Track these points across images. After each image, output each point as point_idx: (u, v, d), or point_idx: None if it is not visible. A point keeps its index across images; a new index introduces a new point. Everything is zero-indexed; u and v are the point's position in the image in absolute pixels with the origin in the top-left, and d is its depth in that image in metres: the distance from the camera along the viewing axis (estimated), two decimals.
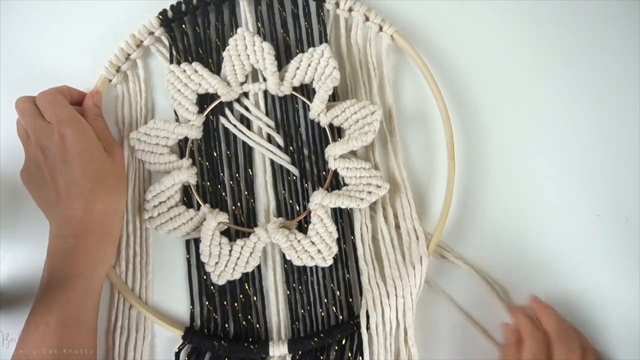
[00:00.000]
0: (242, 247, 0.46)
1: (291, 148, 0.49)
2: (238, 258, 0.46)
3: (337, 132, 0.49)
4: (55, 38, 0.52)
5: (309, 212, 0.47)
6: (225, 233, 0.47)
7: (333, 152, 0.48)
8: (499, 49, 0.53)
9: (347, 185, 0.48)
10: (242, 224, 0.48)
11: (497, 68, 0.53)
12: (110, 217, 0.44)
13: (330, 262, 0.47)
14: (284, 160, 0.49)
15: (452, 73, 0.52)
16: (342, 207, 0.47)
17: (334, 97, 0.50)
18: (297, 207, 0.48)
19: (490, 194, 0.51)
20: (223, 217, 0.47)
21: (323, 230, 0.47)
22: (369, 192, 0.47)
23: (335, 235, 0.47)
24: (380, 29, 0.51)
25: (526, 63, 0.53)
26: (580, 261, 0.49)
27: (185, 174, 0.47)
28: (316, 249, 0.46)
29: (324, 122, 0.49)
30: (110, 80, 0.49)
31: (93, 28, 0.52)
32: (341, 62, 0.51)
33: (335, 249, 0.47)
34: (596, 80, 0.53)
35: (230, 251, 0.46)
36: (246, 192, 0.49)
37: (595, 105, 0.52)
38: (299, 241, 0.47)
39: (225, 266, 0.46)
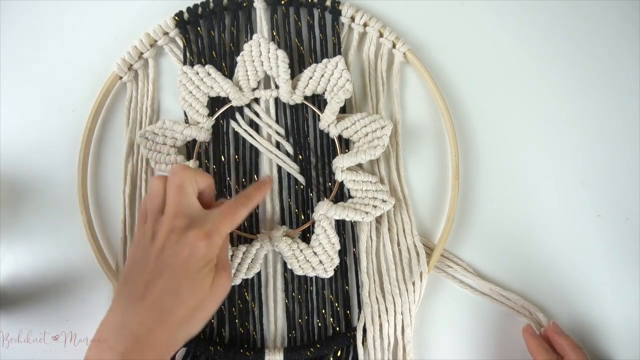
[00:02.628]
0: (244, 253, 0.46)
1: (300, 157, 0.49)
2: (239, 264, 0.46)
3: (346, 144, 0.50)
4: (69, 34, 0.52)
5: (313, 222, 0.47)
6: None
7: (341, 164, 0.48)
8: (499, 51, 0.54)
9: (353, 197, 0.48)
10: (245, 229, 0.48)
11: (497, 69, 0.53)
12: (171, 347, 0.37)
13: (331, 273, 0.47)
14: (292, 168, 0.49)
15: (451, 74, 0.53)
16: (347, 219, 0.47)
17: (343, 109, 0.50)
18: (302, 217, 0.48)
19: (490, 195, 0.51)
20: None
21: (326, 242, 0.47)
22: (374, 206, 0.48)
23: (338, 247, 0.47)
24: (394, 45, 0.51)
25: (526, 64, 0.53)
26: (580, 261, 0.49)
27: None
28: (318, 259, 0.46)
29: (334, 133, 0.49)
30: (121, 78, 0.49)
31: (109, 26, 0.52)
32: (351, 75, 0.51)
33: (337, 261, 0.47)
34: (596, 81, 0.53)
35: (231, 256, 0.46)
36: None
37: (595, 105, 0.53)
38: (301, 251, 0.46)
39: None
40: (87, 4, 0.53)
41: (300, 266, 0.46)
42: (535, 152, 0.52)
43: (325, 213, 0.47)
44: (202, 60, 0.50)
